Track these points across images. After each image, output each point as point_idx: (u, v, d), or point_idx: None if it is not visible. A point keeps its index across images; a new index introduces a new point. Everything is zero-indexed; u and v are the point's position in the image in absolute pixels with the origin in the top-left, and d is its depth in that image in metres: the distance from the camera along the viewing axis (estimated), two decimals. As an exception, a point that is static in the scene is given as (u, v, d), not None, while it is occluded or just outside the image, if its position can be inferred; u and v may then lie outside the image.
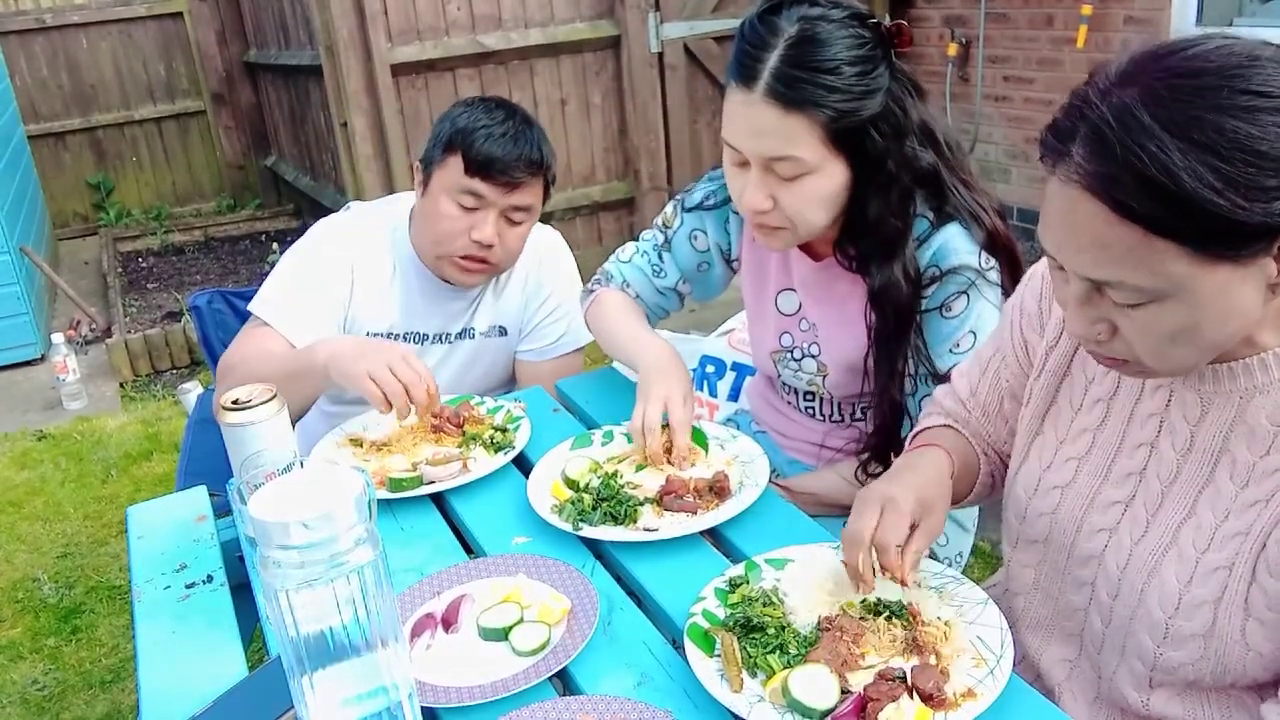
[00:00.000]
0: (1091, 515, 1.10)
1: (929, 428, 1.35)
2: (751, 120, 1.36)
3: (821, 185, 1.38)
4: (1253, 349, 0.96)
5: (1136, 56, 0.88)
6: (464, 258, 1.83)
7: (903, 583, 1.08)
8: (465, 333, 1.99)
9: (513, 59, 4.85)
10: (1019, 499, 1.18)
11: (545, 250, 2.03)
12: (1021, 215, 5.03)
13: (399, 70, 4.63)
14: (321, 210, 5.85)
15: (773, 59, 1.33)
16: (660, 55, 5.00)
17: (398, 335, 1.94)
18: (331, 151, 5.26)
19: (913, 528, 1.10)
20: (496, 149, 1.76)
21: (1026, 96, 4.84)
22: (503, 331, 2.02)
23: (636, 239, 1.82)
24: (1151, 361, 0.94)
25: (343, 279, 1.87)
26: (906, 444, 1.38)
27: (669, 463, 1.48)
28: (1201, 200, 0.82)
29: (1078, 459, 1.12)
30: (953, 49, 5.07)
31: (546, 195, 1.88)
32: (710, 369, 2.73)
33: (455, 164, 1.77)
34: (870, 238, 1.46)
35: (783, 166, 1.36)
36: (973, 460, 1.31)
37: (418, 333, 1.96)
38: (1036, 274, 1.21)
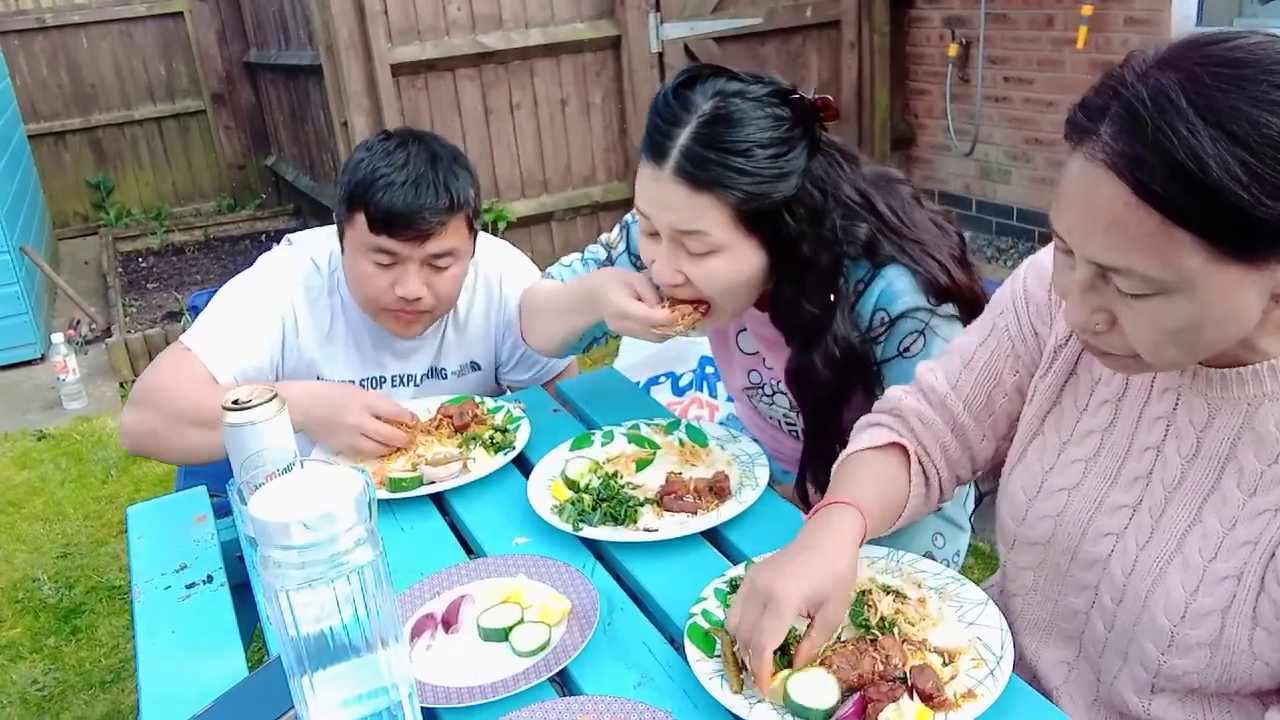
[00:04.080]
0: (1098, 519, 1.08)
1: (865, 449, 1.26)
2: (660, 196, 1.33)
3: (731, 265, 1.35)
4: (1258, 355, 0.95)
5: (1177, 43, 0.87)
6: (397, 312, 1.73)
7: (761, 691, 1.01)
8: (435, 372, 1.91)
9: (513, 59, 4.85)
10: (1017, 500, 1.16)
11: (507, 279, 1.91)
12: (1021, 216, 5.03)
13: (399, 70, 4.63)
14: (322, 210, 5.87)
15: (683, 137, 1.30)
16: (660, 55, 5.00)
17: (354, 382, 1.84)
18: (332, 151, 5.26)
19: (811, 619, 1.04)
20: (397, 201, 1.61)
21: (1026, 97, 4.84)
22: (476, 367, 1.94)
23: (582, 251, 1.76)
24: (1148, 356, 0.93)
25: (276, 326, 1.76)
26: (835, 467, 1.27)
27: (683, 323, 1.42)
28: (1226, 192, 0.80)
29: (1085, 461, 1.10)
30: (953, 49, 5.07)
31: (474, 230, 1.75)
32: (710, 369, 2.73)
33: (361, 221, 1.65)
34: (787, 321, 1.43)
35: (692, 242, 1.34)
36: (899, 492, 1.23)
37: (374, 377, 1.86)
38: (1040, 263, 1.17)
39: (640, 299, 1.43)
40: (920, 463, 1.25)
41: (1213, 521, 0.99)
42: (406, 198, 1.62)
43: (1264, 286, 0.87)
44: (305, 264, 1.82)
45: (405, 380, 1.88)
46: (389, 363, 1.86)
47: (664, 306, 1.41)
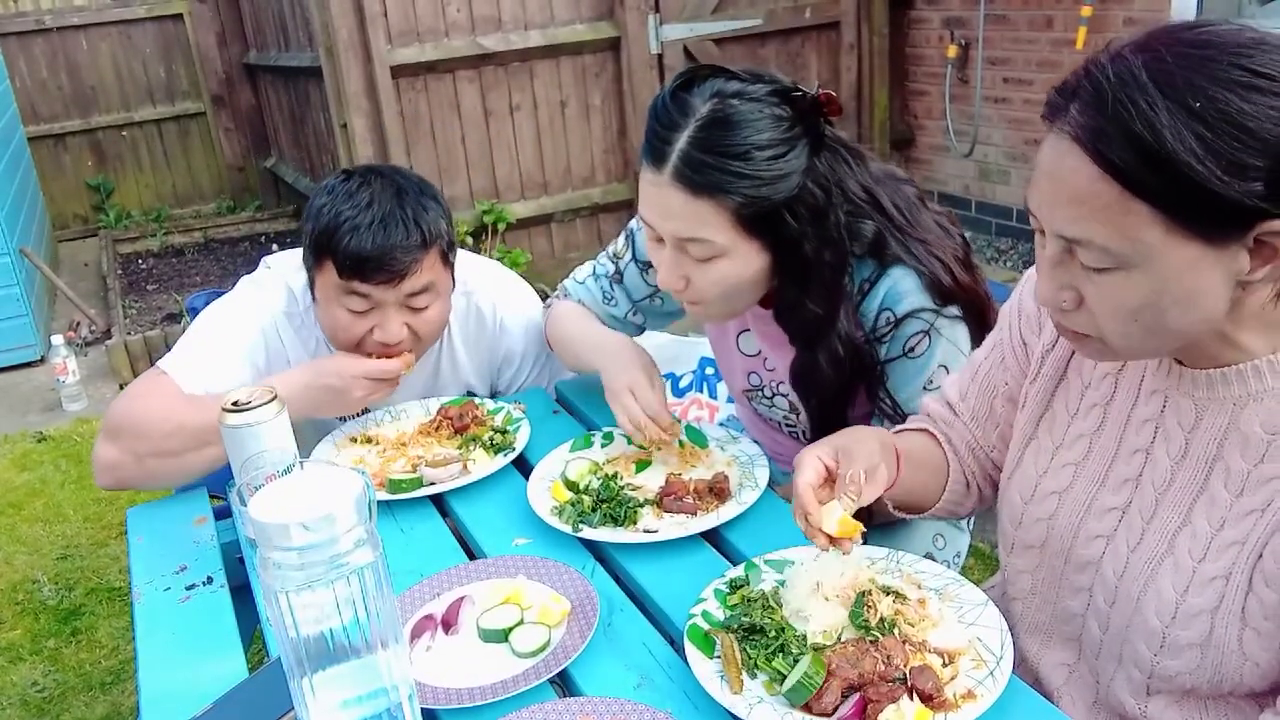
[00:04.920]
0: (1089, 522, 1.09)
1: (901, 430, 1.35)
2: (661, 201, 1.32)
3: (735, 268, 1.34)
4: (1242, 354, 0.96)
5: (1152, 30, 0.90)
6: (380, 357, 1.64)
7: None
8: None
9: (512, 61, 4.85)
10: (1014, 504, 1.17)
11: (501, 308, 1.84)
12: (1020, 217, 5.03)
13: (399, 72, 4.63)
14: (321, 212, 5.84)
15: (681, 141, 1.28)
16: (660, 57, 5.00)
17: (342, 418, 1.75)
18: (331, 153, 5.26)
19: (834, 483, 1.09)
20: (365, 245, 1.53)
21: (1026, 98, 4.84)
22: (472, 394, 1.87)
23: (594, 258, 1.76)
24: (1114, 338, 0.94)
25: (260, 347, 1.69)
26: None
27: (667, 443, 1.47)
28: (1179, 163, 0.82)
29: (1075, 464, 1.12)
30: (952, 50, 5.07)
31: (450, 264, 1.68)
32: (710, 370, 2.73)
33: (330, 268, 1.57)
34: (789, 322, 1.43)
35: (695, 248, 1.33)
36: (937, 461, 1.29)
37: (365, 408, 1.74)
38: (1034, 275, 1.20)
39: (638, 395, 1.48)
40: (954, 450, 1.30)
41: (1202, 522, 0.99)
42: (375, 239, 1.54)
43: (1226, 269, 0.88)
44: (284, 291, 1.74)
45: (398, 413, 1.80)
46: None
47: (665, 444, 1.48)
